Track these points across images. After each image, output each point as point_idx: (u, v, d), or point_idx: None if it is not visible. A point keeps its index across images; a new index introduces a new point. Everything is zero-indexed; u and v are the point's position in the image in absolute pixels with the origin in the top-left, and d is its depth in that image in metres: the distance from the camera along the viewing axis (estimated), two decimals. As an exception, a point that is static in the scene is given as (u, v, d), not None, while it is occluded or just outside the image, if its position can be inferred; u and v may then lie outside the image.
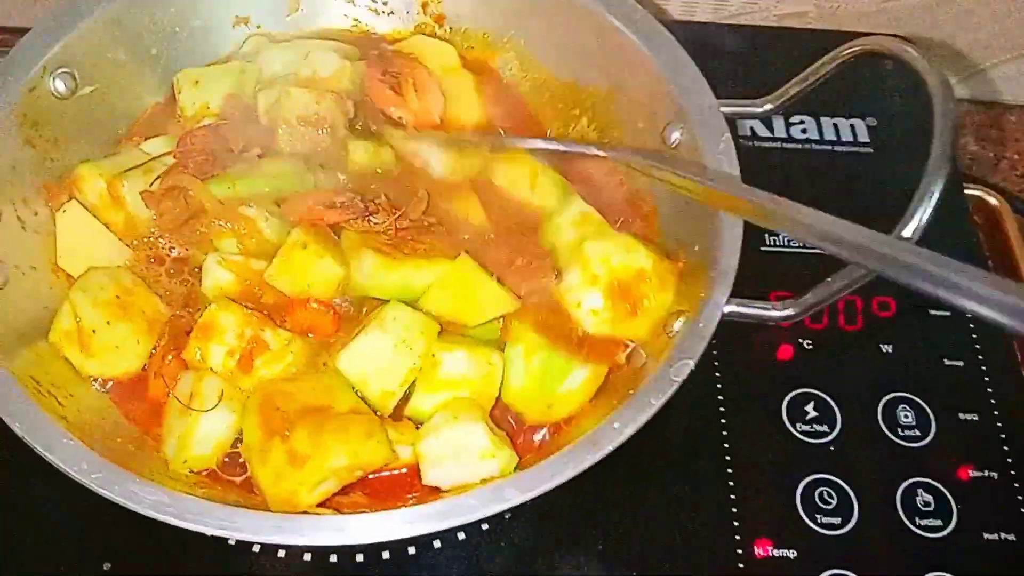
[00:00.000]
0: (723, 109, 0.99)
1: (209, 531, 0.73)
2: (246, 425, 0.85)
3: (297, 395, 0.86)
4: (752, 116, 1.02)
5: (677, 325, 0.90)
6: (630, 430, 0.79)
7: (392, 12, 1.19)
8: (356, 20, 1.19)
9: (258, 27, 1.16)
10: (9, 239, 0.93)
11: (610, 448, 0.78)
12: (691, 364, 0.83)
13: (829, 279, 0.84)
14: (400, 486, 0.90)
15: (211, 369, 0.89)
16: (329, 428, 0.83)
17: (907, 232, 0.78)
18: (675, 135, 1.02)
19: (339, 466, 0.82)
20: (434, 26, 1.19)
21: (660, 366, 0.84)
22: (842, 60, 0.94)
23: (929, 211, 0.78)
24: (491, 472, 0.86)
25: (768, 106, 1.00)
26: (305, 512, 0.79)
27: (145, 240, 0.99)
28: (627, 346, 0.96)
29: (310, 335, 0.94)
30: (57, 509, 0.95)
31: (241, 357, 0.89)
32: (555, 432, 0.94)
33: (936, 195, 0.78)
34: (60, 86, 1.00)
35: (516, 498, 0.76)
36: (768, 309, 0.87)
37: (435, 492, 0.88)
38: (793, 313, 0.86)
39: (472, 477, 0.86)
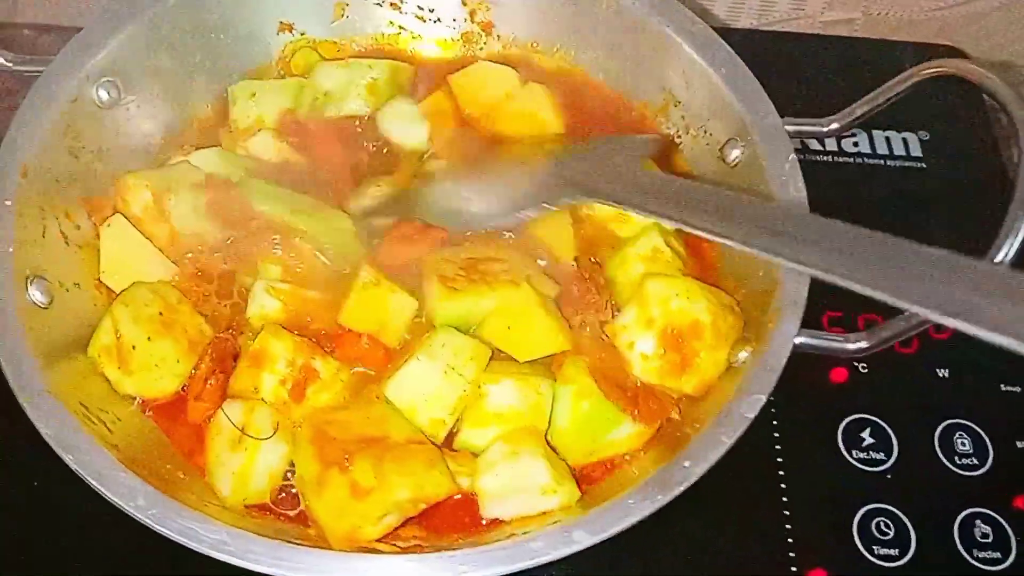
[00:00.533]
0: (787, 127, 0.96)
1: (271, 572, 0.71)
2: (299, 457, 0.83)
3: (351, 425, 0.83)
4: (817, 136, 0.98)
5: (742, 356, 0.88)
6: (701, 469, 0.77)
7: (439, 19, 1.16)
8: (402, 27, 1.16)
9: (302, 33, 1.13)
10: (53, 255, 0.90)
11: (681, 489, 0.76)
12: (763, 399, 0.81)
13: (905, 314, 0.81)
14: (456, 516, 0.87)
15: (262, 399, 0.87)
16: (390, 459, 0.80)
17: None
18: (735, 153, 1.00)
19: (403, 499, 0.79)
20: (481, 34, 1.16)
21: (729, 400, 0.82)
22: (917, 80, 0.91)
23: (1016, 245, 0.75)
24: (552, 506, 0.84)
25: (834, 125, 0.98)
26: (367, 549, 0.77)
27: (190, 256, 0.96)
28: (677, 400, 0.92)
29: (360, 366, 0.91)
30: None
31: (293, 386, 0.86)
32: (616, 466, 0.91)
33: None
34: (103, 95, 0.97)
35: (586, 540, 0.73)
36: (841, 342, 0.85)
37: (494, 522, 0.86)
38: (867, 346, 0.84)
39: (533, 510, 0.84)
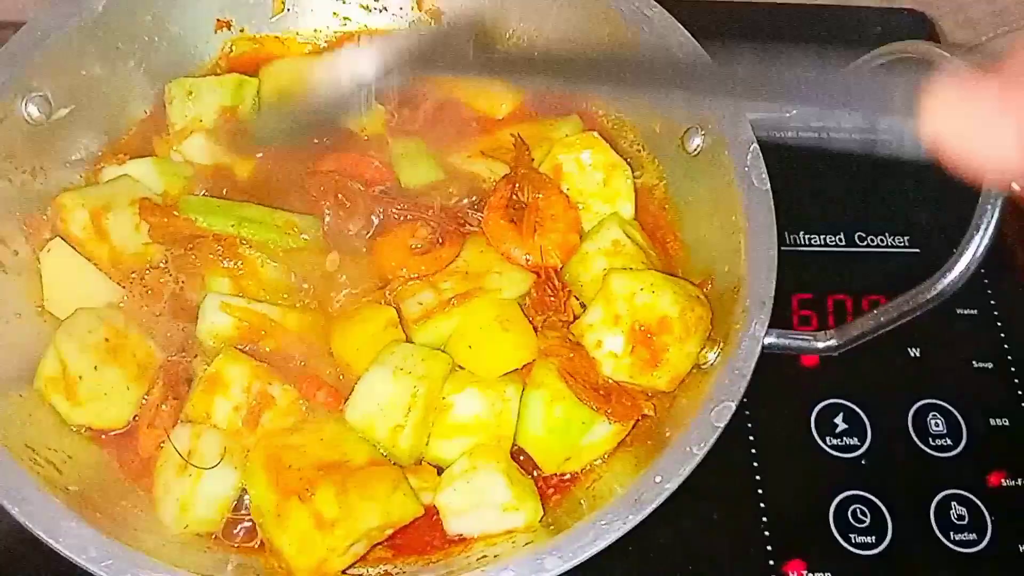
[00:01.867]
0: (748, 115, 0.93)
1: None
2: (254, 485, 0.80)
3: (306, 449, 0.80)
4: (778, 128, 0.95)
5: (711, 357, 0.86)
6: (673, 485, 0.75)
7: (385, 8, 1.11)
8: (347, 19, 1.11)
9: (242, 30, 1.08)
10: (-11, 286, 0.86)
11: (654, 506, 0.74)
12: (732, 407, 0.79)
13: (876, 310, 0.79)
14: (421, 533, 0.85)
15: (214, 425, 0.84)
16: (353, 485, 0.77)
17: (959, 267, 0.74)
18: (696, 141, 0.97)
19: (370, 527, 0.77)
20: (429, 21, 1.11)
21: (699, 409, 0.80)
22: (879, 63, 0.88)
23: (983, 246, 0.73)
24: (516, 524, 0.82)
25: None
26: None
27: (134, 275, 0.92)
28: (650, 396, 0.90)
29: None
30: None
31: (248, 413, 0.83)
32: (584, 472, 0.89)
33: (991, 227, 0.73)
34: (34, 111, 0.92)
35: (557, 568, 0.71)
36: (810, 341, 0.83)
37: (460, 539, 0.84)
38: (836, 344, 0.83)
39: (496, 528, 0.82)
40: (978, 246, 0.73)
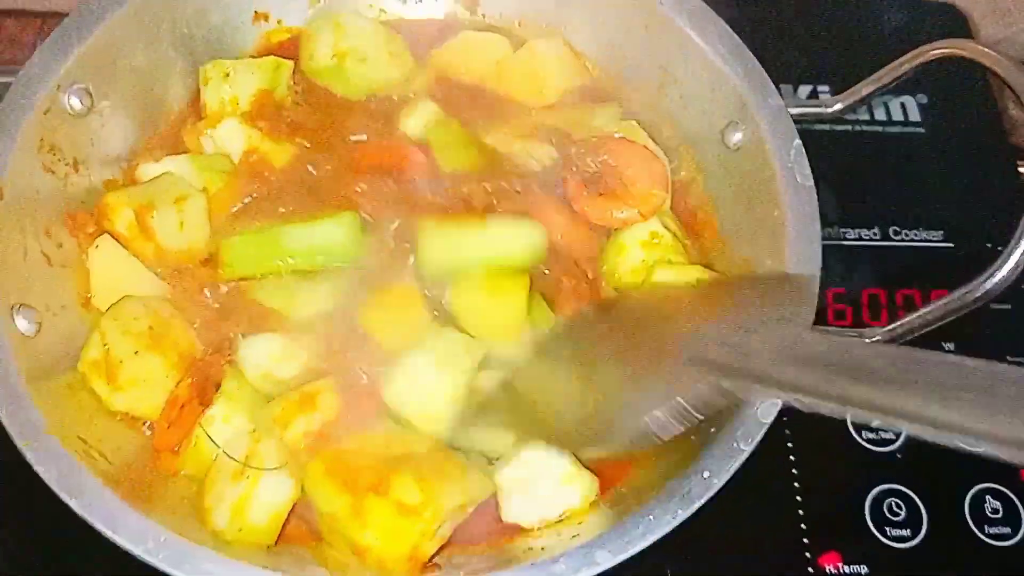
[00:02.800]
0: (791, 111, 0.93)
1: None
2: (320, 493, 0.79)
3: (366, 450, 0.81)
4: (821, 118, 0.95)
5: (754, 352, 0.86)
6: (721, 480, 0.76)
7: (421, 2, 1.11)
8: (383, 10, 1.11)
9: (279, 22, 1.08)
10: (36, 278, 0.87)
11: (703, 501, 0.75)
12: (779, 403, 0.79)
13: (923, 310, 0.80)
14: (469, 527, 0.85)
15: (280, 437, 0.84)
16: (428, 471, 0.78)
17: (1006, 268, 0.74)
18: (736, 136, 0.97)
19: (454, 506, 0.78)
20: (466, 13, 1.11)
21: (745, 405, 0.80)
22: (922, 62, 0.88)
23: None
24: (572, 503, 0.83)
25: (839, 106, 0.95)
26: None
27: (178, 271, 0.93)
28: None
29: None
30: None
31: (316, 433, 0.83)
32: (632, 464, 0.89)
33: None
34: (76, 103, 0.92)
35: (607, 562, 0.72)
36: (856, 337, 0.83)
37: (515, 529, 0.84)
38: (882, 341, 0.83)
39: (553, 510, 0.83)
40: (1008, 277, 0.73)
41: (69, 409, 0.81)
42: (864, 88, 0.92)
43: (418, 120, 1.02)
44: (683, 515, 0.74)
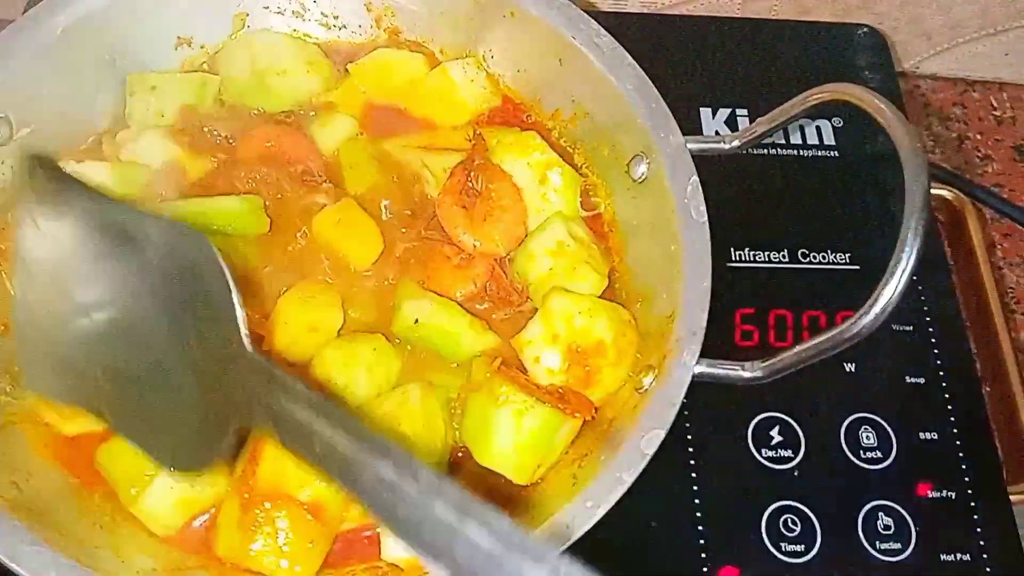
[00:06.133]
0: (689, 146, 0.97)
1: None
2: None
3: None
4: (718, 153, 0.98)
5: (647, 382, 0.90)
6: (603, 510, 0.80)
7: (344, 26, 1.13)
8: (306, 35, 1.13)
9: (202, 47, 1.10)
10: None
11: (584, 530, 0.79)
12: (662, 434, 0.83)
13: (798, 348, 0.84)
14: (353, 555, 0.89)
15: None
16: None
17: (875, 310, 0.78)
18: (641, 168, 1.00)
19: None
20: (388, 39, 1.13)
21: (631, 434, 0.84)
22: (811, 104, 0.91)
23: (898, 290, 0.77)
24: None
25: (736, 142, 0.98)
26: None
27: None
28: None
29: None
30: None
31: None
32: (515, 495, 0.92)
33: (906, 272, 0.77)
34: (-4, 133, 0.95)
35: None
36: (737, 370, 0.87)
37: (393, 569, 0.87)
38: (761, 375, 0.86)
39: None
40: (893, 291, 0.77)
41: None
42: (759, 127, 0.95)
43: (333, 134, 1.06)
44: (564, 544, 0.78)
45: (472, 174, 1.00)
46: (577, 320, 0.93)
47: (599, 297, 0.98)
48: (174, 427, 0.73)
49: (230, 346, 0.65)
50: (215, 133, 1.04)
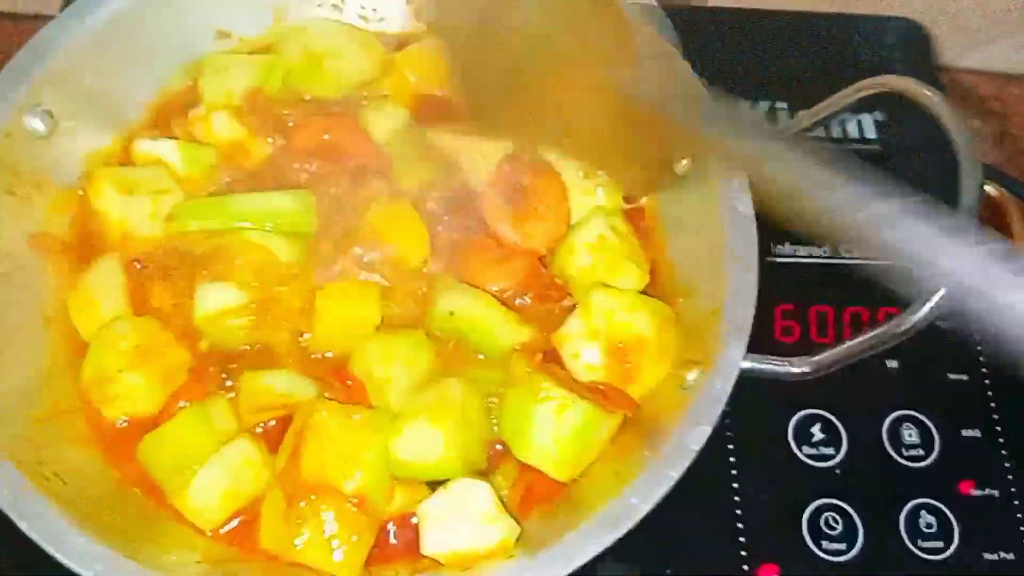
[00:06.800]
0: (735, 140, 0.96)
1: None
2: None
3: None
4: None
5: (691, 377, 0.89)
6: (648, 506, 0.79)
7: (383, 19, 1.13)
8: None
9: (241, 39, 1.10)
10: (-4, 300, 0.89)
11: (629, 526, 0.78)
12: (708, 430, 0.82)
13: (848, 343, 0.83)
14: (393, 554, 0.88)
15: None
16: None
17: (928, 306, 0.77)
18: (684, 162, 0.99)
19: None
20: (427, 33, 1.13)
21: (676, 430, 0.83)
22: (859, 97, 0.90)
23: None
24: (490, 542, 0.83)
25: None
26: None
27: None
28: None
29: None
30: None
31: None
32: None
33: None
34: (38, 125, 0.95)
35: (536, 581, 0.76)
36: (784, 366, 0.86)
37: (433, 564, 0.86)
38: (809, 371, 0.86)
39: (470, 545, 0.84)
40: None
41: (24, 436, 0.83)
42: (804, 120, 0.95)
43: (386, 123, 1.04)
44: (609, 540, 0.77)
45: (519, 168, 0.99)
46: (618, 316, 0.92)
47: (641, 293, 0.97)
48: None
49: None
50: (277, 116, 1.04)
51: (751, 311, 0.87)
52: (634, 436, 0.91)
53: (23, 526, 0.75)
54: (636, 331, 0.92)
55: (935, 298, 0.77)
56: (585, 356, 0.92)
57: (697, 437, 0.82)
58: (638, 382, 0.92)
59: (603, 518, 0.79)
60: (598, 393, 0.90)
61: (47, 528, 0.76)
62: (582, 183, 1.01)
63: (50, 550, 0.74)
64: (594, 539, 0.77)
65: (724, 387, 0.84)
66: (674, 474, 0.80)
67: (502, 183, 0.99)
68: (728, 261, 0.90)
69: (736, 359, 0.85)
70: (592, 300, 0.93)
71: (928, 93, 0.83)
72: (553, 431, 0.87)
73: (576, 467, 0.89)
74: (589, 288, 0.94)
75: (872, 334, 0.80)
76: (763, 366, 0.86)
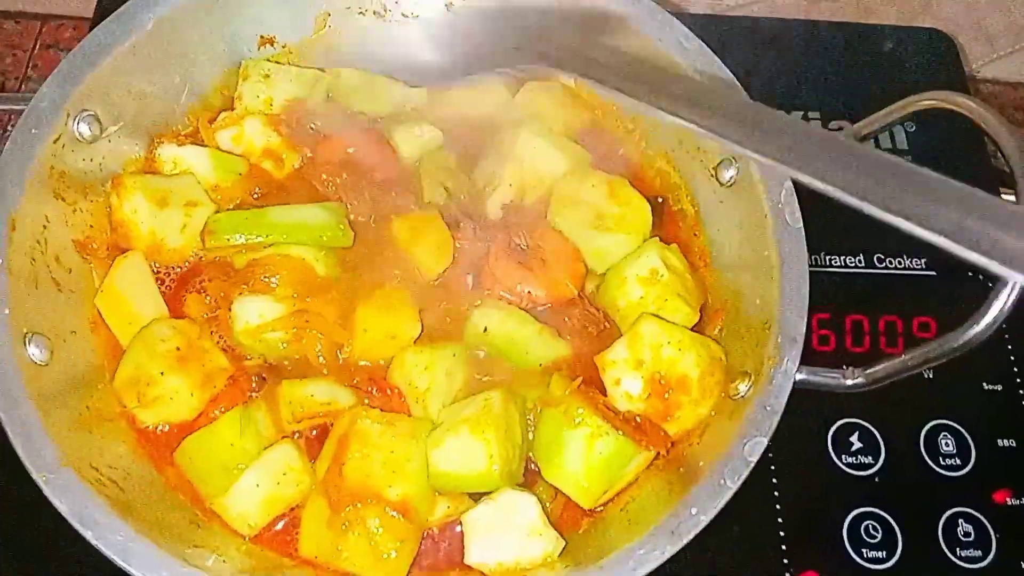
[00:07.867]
0: (782, 150, 0.96)
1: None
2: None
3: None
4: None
5: (743, 389, 0.89)
6: (708, 516, 0.79)
7: (419, 18, 1.13)
8: (382, 25, 1.13)
9: (283, 46, 1.09)
10: (47, 305, 0.89)
11: (689, 537, 0.79)
12: (764, 442, 0.83)
13: (904, 356, 0.83)
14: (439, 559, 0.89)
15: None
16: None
17: (986, 319, 0.77)
18: (729, 173, 1.00)
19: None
20: (466, 35, 1.13)
21: (731, 442, 0.84)
22: (911, 112, 0.91)
23: (1012, 299, 0.76)
24: (535, 555, 0.84)
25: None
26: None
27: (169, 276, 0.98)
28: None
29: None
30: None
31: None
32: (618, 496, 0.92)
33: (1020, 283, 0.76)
34: (85, 130, 0.95)
35: (600, 600, 0.76)
36: (837, 378, 0.87)
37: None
38: (863, 383, 0.86)
39: (515, 557, 0.84)
40: (1007, 299, 0.76)
41: (79, 441, 0.83)
42: (863, 130, 0.95)
43: (417, 142, 1.05)
44: (672, 550, 0.78)
45: (516, 233, 1.00)
46: (665, 350, 0.91)
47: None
48: None
49: None
50: (313, 127, 1.04)
51: (803, 323, 0.88)
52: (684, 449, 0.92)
53: (87, 535, 0.75)
54: (681, 369, 0.91)
55: (994, 312, 0.77)
56: (626, 384, 0.92)
57: (753, 448, 0.82)
58: (676, 421, 0.92)
59: (664, 529, 0.79)
60: (634, 426, 0.90)
61: (110, 536, 0.75)
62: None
63: (115, 559, 0.74)
64: (656, 550, 0.78)
65: (779, 399, 0.85)
66: (732, 485, 0.81)
67: (505, 248, 0.99)
68: (780, 272, 0.90)
69: (791, 371, 0.85)
70: (642, 329, 0.92)
71: (981, 110, 0.84)
72: (583, 458, 0.87)
73: (600, 496, 0.89)
74: (639, 317, 0.93)
75: (930, 347, 0.81)
76: (817, 378, 0.87)
